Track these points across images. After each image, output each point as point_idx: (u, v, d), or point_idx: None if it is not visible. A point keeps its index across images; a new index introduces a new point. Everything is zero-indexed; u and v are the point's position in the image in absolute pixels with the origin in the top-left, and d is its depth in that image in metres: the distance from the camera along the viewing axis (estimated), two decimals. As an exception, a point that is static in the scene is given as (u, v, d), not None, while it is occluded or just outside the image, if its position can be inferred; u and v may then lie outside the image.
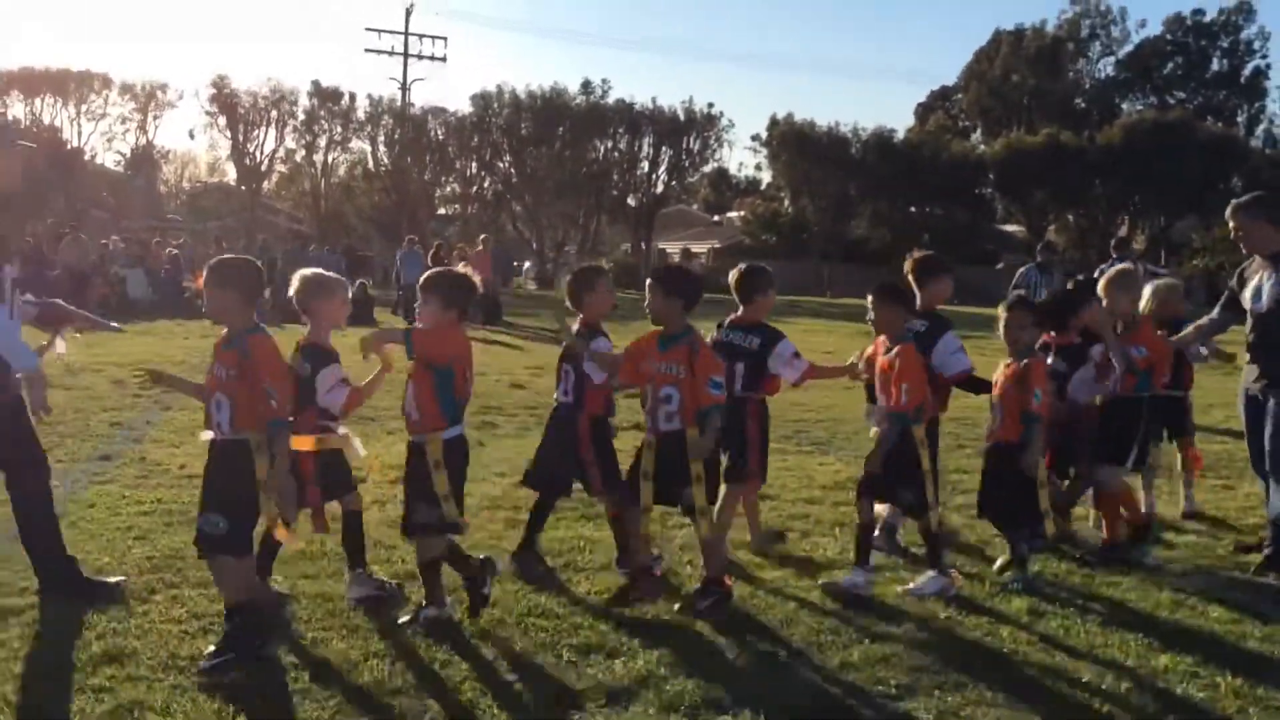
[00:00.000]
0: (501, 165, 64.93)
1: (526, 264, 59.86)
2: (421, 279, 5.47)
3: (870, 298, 6.30)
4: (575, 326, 6.21)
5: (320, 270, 5.78)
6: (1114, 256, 14.68)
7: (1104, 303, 7.17)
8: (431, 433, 5.11)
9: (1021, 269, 15.08)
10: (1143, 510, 7.41)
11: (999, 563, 6.49)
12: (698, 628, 5.37)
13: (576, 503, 7.22)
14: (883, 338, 6.28)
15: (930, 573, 6.03)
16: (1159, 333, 7.34)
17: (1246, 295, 6.80)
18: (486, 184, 66.64)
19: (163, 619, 5.13)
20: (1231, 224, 6.92)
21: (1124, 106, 70.90)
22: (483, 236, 32.86)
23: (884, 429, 6.14)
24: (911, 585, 6.01)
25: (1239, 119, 71.36)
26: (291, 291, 5.54)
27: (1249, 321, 6.80)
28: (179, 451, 9.12)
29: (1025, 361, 6.34)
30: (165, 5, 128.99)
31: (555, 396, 6.33)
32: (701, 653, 5.06)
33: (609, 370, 5.99)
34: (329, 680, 4.59)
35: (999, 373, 6.46)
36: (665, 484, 5.60)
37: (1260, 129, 72.18)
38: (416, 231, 42.49)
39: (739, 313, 6.82)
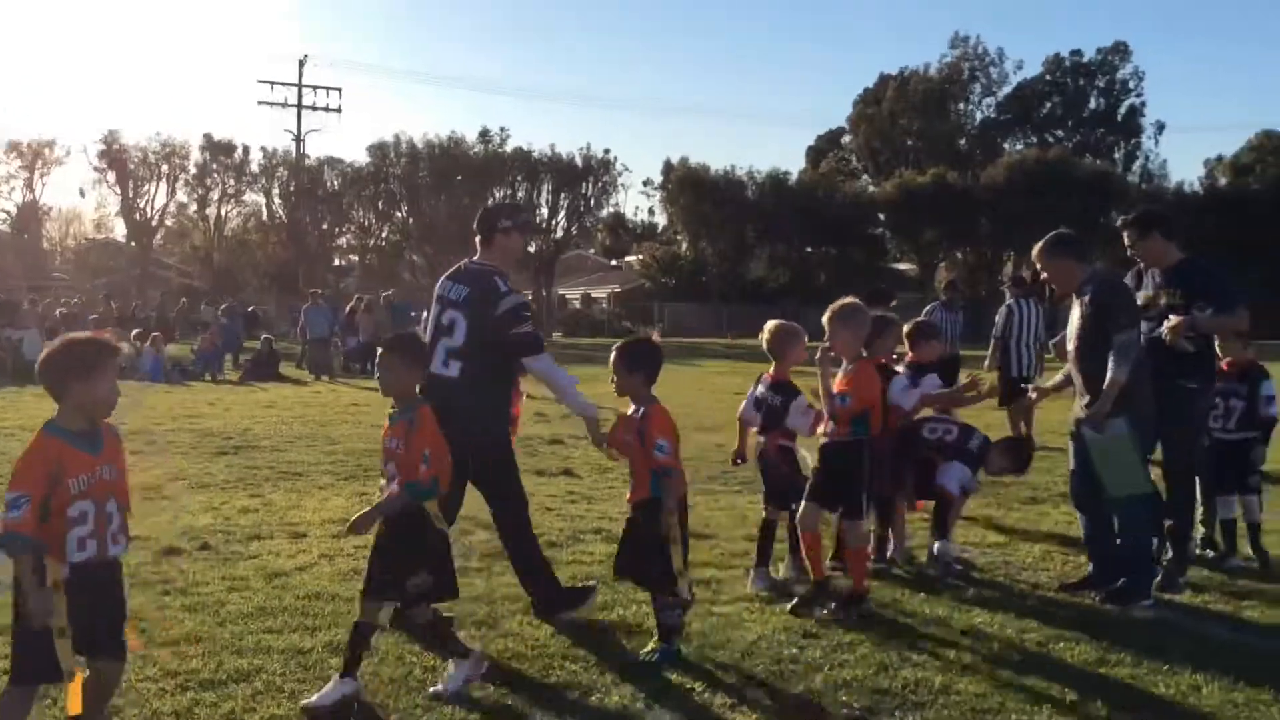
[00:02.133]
0: (399, 215, 64.77)
1: (425, 314, 59.58)
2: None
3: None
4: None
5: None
6: (1010, 293, 15.23)
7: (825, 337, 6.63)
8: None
9: (928, 307, 15.56)
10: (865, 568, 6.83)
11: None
12: (660, 668, 5.52)
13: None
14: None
15: None
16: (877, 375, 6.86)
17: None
18: (384, 234, 66.36)
19: (139, 678, 5.14)
20: (1039, 265, 7.25)
21: (1006, 146, 73.20)
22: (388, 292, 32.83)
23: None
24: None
25: (1116, 156, 74.15)
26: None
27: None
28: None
29: (642, 411, 5.70)
30: (53, 60, 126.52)
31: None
32: (671, 688, 5.22)
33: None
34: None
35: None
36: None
37: (1136, 165, 75.13)
38: (314, 283, 42.21)
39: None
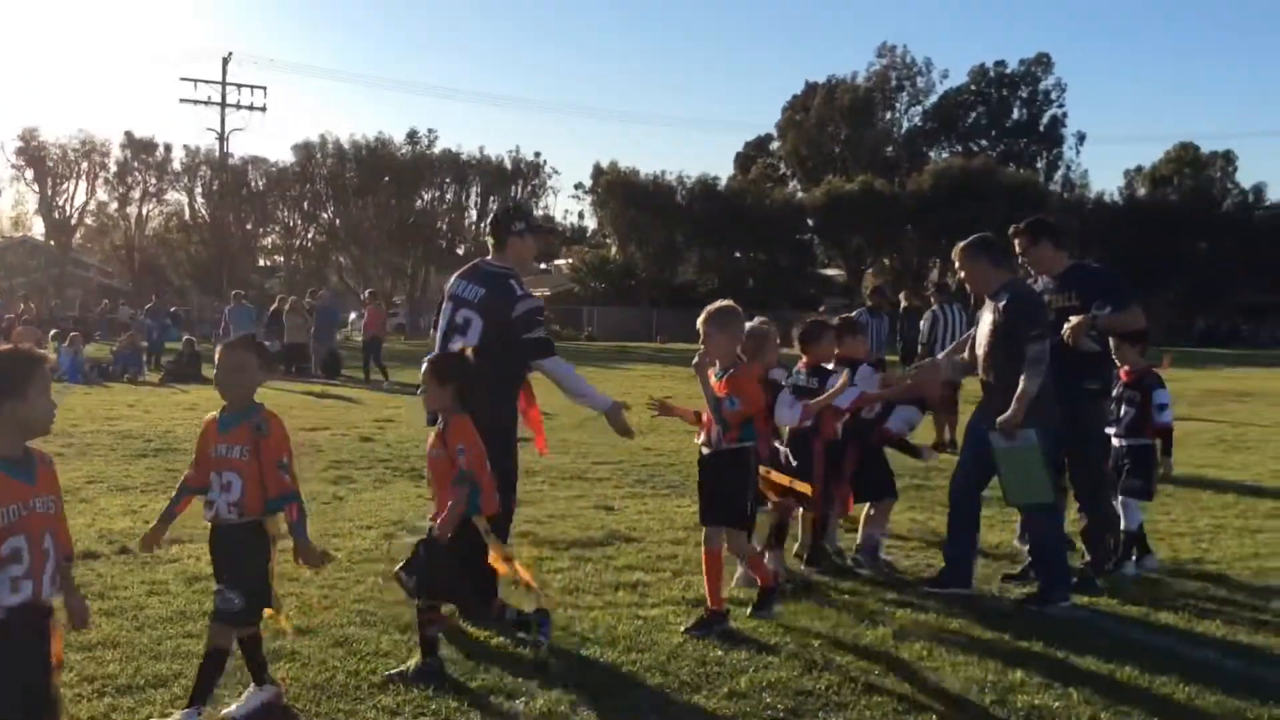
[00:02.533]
0: (325, 216, 64.12)
1: (353, 315, 59.09)
2: None
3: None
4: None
5: None
6: (935, 300, 15.46)
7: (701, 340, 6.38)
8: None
9: (855, 313, 15.68)
10: (770, 569, 6.74)
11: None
12: (586, 671, 5.53)
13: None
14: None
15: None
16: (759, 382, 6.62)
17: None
18: (310, 235, 65.67)
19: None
20: (957, 265, 7.39)
21: (931, 154, 74.18)
22: (315, 289, 32.47)
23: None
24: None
25: (1039, 165, 75.44)
26: None
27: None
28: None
29: (447, 423, 5.45)
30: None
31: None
32: (596, 690, 5.21)
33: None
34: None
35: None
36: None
37: (1058, 174, 76.50)
38: (238, 284, 41.63)
39: (803, 360, 7.76)
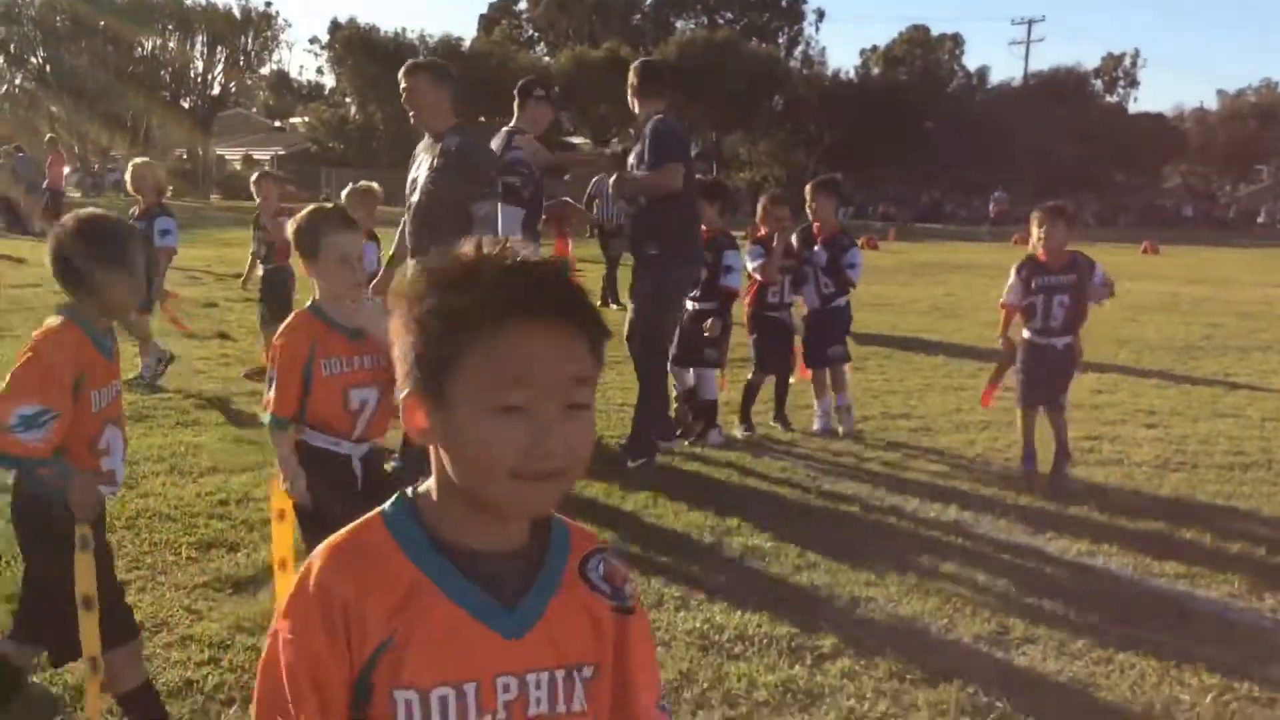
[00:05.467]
0: (35, 60, 59.12)
1: (66, 170, 55.11)
2: None
3: None
4: None
5: None
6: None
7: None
8: None
9: (595, 179, 15.47)
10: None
11: None
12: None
13: (171, 410, 7.70)
14: None
15: None
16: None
17: None
18: (18, 81, 60.51)
19: None
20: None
21: (679, 25, 74.30)
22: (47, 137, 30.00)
23: None
24: None
25: (780, 41, 76.69)
26: None
27: None
28: None
29: None
30: None
31: None
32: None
33: None
34: None
35: None
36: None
37: (798, 51, 77.92)
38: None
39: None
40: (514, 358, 1.30)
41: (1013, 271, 6.91)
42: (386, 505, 1.44)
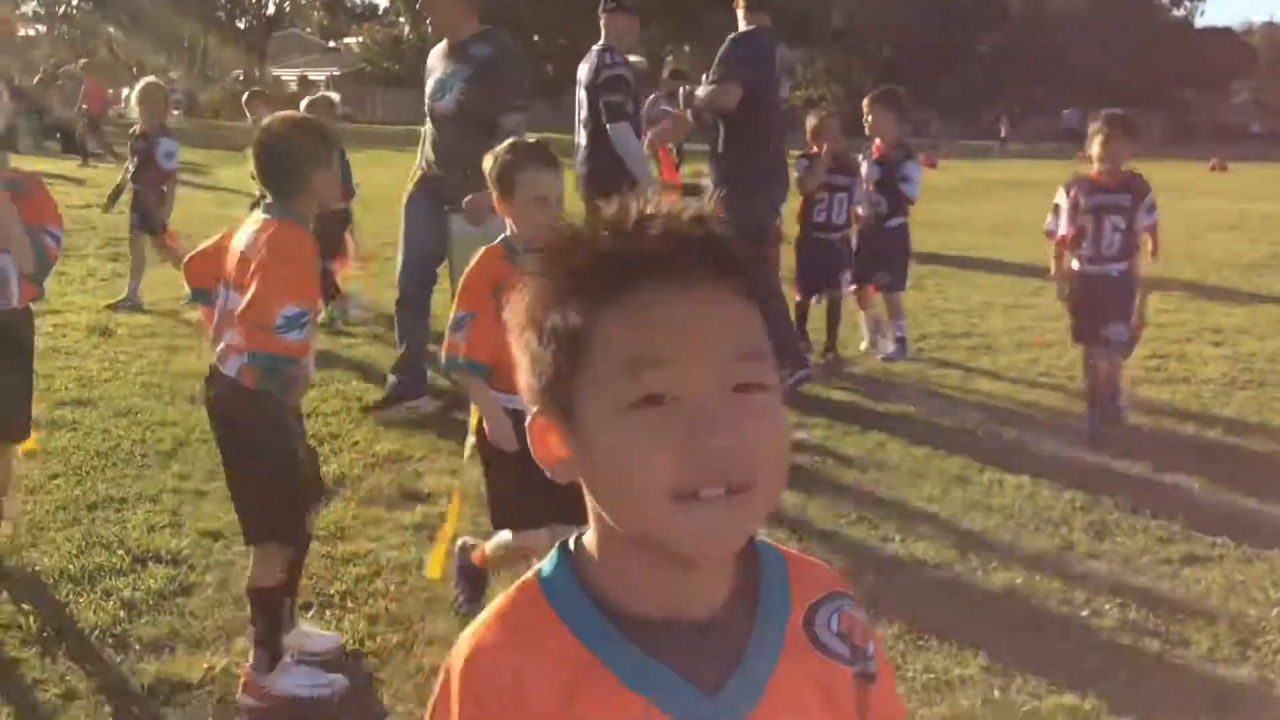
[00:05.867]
0: (90, -19, 59.33)
1: (125, 90, 55.43)
2: None
3: None
4: None
5: None
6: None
7: None
8: None
9: (650, 97, 15.23)
10: None
11: None
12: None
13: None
14: None
15: None
16: None
17: None
18: (75, 2, 60.79)
19: None
20: None
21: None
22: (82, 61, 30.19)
23: None
24: None
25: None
26: None
27: None
28: None
29: None
30: None
31: None
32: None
33: None
34: None
35: None
36: None
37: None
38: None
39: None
40: (647, 329, 0.97)
41: (1060, 192, 6.18)
42: (544, 564, 1.09)
